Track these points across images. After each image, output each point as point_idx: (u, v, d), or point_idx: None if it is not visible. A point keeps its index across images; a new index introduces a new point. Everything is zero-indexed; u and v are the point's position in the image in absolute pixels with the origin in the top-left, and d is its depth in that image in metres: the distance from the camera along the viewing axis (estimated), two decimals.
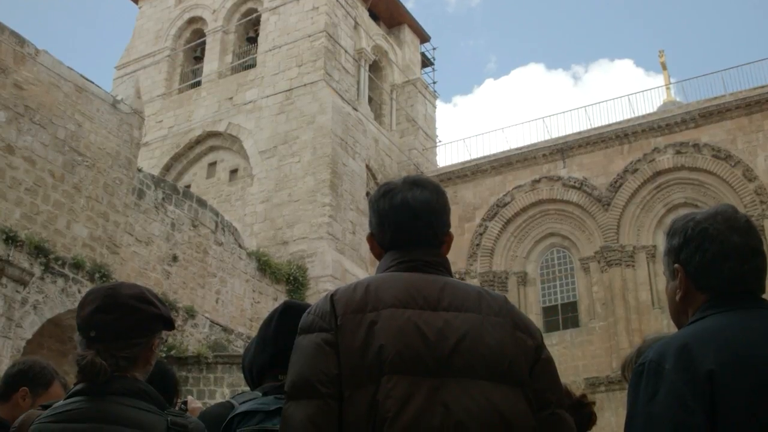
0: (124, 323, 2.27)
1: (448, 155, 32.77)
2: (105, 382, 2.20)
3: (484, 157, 27.93)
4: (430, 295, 1.97)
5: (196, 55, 29.99)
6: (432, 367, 1.86)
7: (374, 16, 30.52)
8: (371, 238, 2.20)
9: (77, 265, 14.90)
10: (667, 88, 28.94)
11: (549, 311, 25.43)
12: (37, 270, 14.06)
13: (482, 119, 74.45)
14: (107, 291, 2.36)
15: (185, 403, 3.26)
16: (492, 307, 2.01)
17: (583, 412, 3.16)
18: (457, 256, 25.28)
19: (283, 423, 1.89)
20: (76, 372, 2.26)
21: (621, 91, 76.98)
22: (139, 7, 31.50)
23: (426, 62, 33.01)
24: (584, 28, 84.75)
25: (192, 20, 30.05)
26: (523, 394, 1.91)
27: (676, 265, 1.97)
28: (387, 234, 2.15)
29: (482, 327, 1.95)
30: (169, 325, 2.42)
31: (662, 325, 23.12)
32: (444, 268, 2.14)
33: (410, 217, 2.14)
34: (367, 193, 25.99)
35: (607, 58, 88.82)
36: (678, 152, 24.94)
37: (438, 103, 32.66)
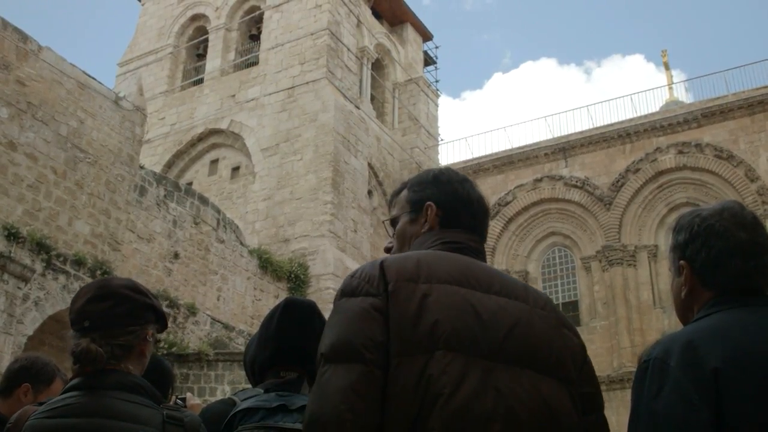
0: (118, 311, 2.28)
1: (450, 154, 32.80)
2: (100, 376, 2.19)
3: (486, 156, 27.94)
4: (481, 278, 1.91)
5: (199, 52, 30.00)
6: (485, 350, 1.79)
7: (377, 14, 30.52)
8: (436, 209, 2.11)
9: (79, 262, 14.91)
10: (670, 88, 28.94)
11: None
12: (39, 266, 14.07)
13: (488, 114, 74.63)
14: (100, 282, 2.39)
15: (183, 399, 3.25)
16: (538, 300, 1.95)
17: None
18: None
19: (318, 388, 1.75)
20: (71, 363, 2.25)
21: (634, 86, 77.10)
22: (142, 4, 31.51)
23: (428, 61, 33.00)
24: (598, 24, 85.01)
25: (195, 17, 30.05)
26: (569, 391, 1.85)
27: (681, 262, 1.96)
28: (465, 215, 2.11)
29: (531, 318, 1.89)
30: (163, 321, 2.41)
31: (663, 324, 23.13)
32: (483, 256, 2.10)
33: (485, 212, 2.17)
34: (369, 192, 26.01)
35: (619, 54, 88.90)
36: (680, 152, 24.94)
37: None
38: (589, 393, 1.92)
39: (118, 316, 2.28)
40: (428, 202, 2.11)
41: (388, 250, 2.21)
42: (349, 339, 1.76)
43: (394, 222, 2.22)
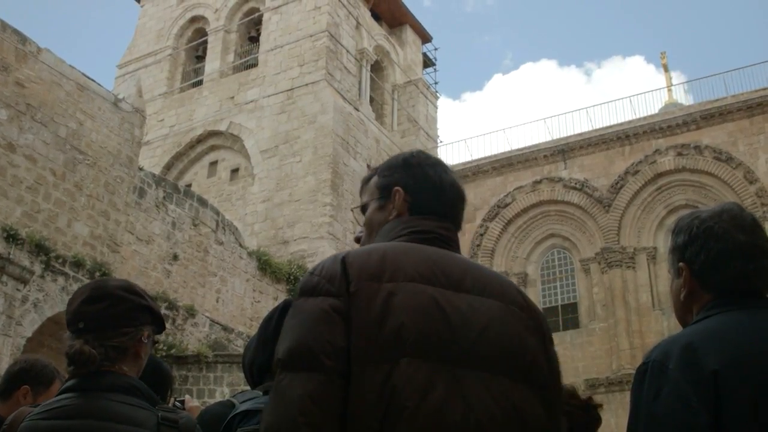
0: (113, 312, 2.28)
1: (449, 155, 32.69)
2: (95, 378, 2.19)
3: (485, 158, 27.93)
4: (452, 274, 1.75)
5: (198, 54, 30.01)
6: (454, 356, 1.65)
7: (376, 16, 30.53)
8: (404, 194, 1.96)
9: (78, 264, 14.90)
10: (669, 90, 28.95)
11: (549, 312, 25.40)
12: (38, 268, 14.06)
13: (488, 115, 74.73)
14: (95, 283, 2.38)
15: (182, 401, 3.24)
16: (512, 296, 1.80)
17: (592, 414, 3.18)
18: None
19: (275, 397, 1.64)
20: (66, 365, 2.26)
21: (634, 88, 77.24)
22: (142, 6, 31.51)
23: (428, 62, 33.01)
24: (598, 26, 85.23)
25: (194, 19, 30.06)
26: (542, 397, 1.71)
27: (680, 264, 1.96)
28: (435, 201, 1.96)
29: (505, 317, 1.74)
30: (159, 321, 2.41)
31: (662, 326, 23.13)
32: (456, 245, 1.94)
33: (459, 197, 2.01)
34: None
35: (620, 55, 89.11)
36: (679, 154, 24.95)
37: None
38: (557, 394, 1.80)
39: (112, 317, 2.27)
40: (396, 187, 1.96)
41: (358, 239, 2.06)
42: (307, 344, 1.64)
43: (364, 209, 2.06)
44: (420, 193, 1.96)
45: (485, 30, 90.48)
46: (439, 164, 2.03)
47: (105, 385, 2.19)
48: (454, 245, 1.92)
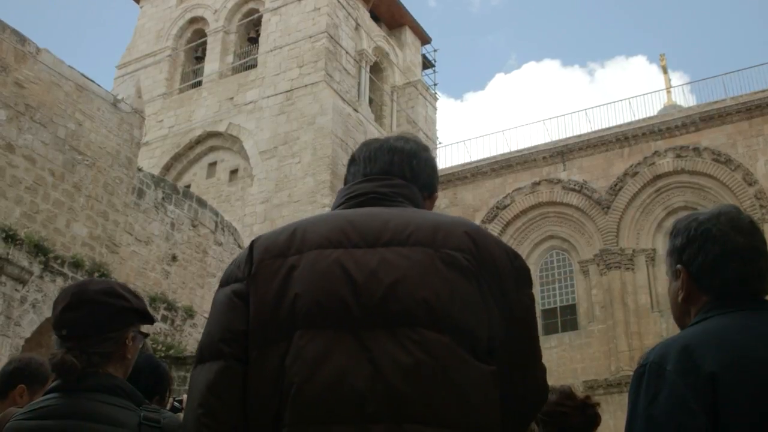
0: (94, 319, 2.26)
1: (448, 157, 32.76)
2: (79, 379, 2.20)
3: (484, 159, 27.94)
4: (369, 231, 1.64)
5: (197, 55, 30.02)
6: (359, 317, 1.53)
7: (375, 17, 30.54)
8: (347, 170, 1.96)
9: (76, 264, 14.89)
10: (668, 92, 28.96)
11: (548, 314, 25.41)
12: (37, 269, 14.05)
13: (490, 115, 74.83)
14: (75, 288, 2.35)
15: (180, 401, 3.24)
16: (450, 239, 1.63)
17: (588, 413, 3.17)
18: None
19: (188, 390, 1.64)
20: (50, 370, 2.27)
21: (636, 88, 77.34)
22: (141, 7, 31.52)
23: (427, 64, 33.02)
24: (602, 26, 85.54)
25: (193, 20, 30.07)
26: (475, 348, 1.56)
27: (678, 266, 1.95)
28: (359, 174, 1.89)
29: (432, 264, 1.58)
30: (146, 317, 2.40)
31: (661, 328, 23.14)
32: (405, 198, 1.81)
33: (387, 151, 1.90)
34: None
35: (623, 56, 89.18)
36: (678, 156, 24.96)
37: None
38: (505, 350, 1.63)
39: (94, 324, 2.26)
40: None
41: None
42: (211, 335, 1.63)
43: None
44: (352, 164, 1.95)
45: (489, 30, 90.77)
46: (371, 142, 1.98)
47: (88, 386, 2.19)
48: (401, 199, 1.81)
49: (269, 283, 1.61)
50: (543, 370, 1.74)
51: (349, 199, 1.82)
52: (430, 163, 1.94)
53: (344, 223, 1.67)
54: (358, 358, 1.51)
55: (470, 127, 79.99)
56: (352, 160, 1.96)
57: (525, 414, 1.70)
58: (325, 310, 1.55)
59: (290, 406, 1.51)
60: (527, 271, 1.73)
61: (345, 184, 1.94)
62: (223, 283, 1.70)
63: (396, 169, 1.87)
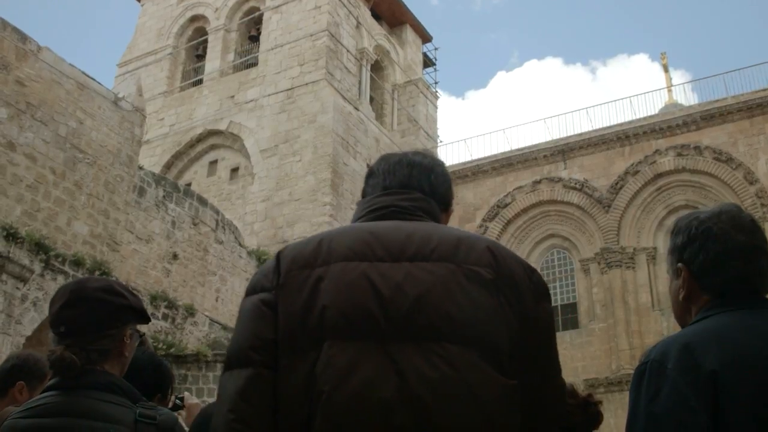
0: (92, 316, 2.27)
1: (449, 155, 32.78)
2: (76, 376, 2.21)
3: (485, 158, 27.94)
4: (393, 244, 1.69)
5: (198, 53, 30.01)
6: (386, 330, 1.58)
7: (376, 15, 30.53)
8: (365, 183, 2.00)
9: (77, 263, 14.89)
10: (669, 90, 28.95)
11: None
12: (38, 267, 14.05)
13: (492, 113, 74.81)
14: (74, 286, 2.37)
15: (181, 399, 3.25)
16: (471, 254, 1.68)
17: (590, 411, 3.16)
18: None
19: (217, 397, 1.69)
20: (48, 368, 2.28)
21: (638, 86, 77.33)
22: (142, 5, 31.51)
23: (428, 62, 33.01)
24: (604, 24, 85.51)
25: (194, 18, 30.05)
26: (499, 364, 1.61)
27: (679, 264, 1.96)
28: (378, 187, 1.92)
29: (455, 279, 1.64)
30: (143, 317, 2.41)
31: (662, 327, 23.14)
32: (425, 212, 1.86)
33: (406, 165, 1.94)
34: None
35: (625, 54, 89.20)
36: (679, 154, 24.95)
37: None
38: (528, 362, 1.66)
39: (92, 321, 2.27)
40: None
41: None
42: (240, 342, 1.67)
43: None
44: (371, 177, 1.97)
45: (492, 28, 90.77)
46: (390, 156, 2.00)
47: (85, 384, 2.20)
48: (421, 214, 1.85)
49: (297, 294, 1.65)
50: (562, 384, 1.79)
51: (369, 212, 1.86)
52: (447, 177, 1.99)
53: (368, 236, 1.72)
54: (385, 370, 1.56)
55: (472, 126, 79.99)
56: (371, 173, 1.99)
57: (544, 427, 1.72)
58: (353, 321, 1.60)
59: (320, 413, 1.55)
60: (545, 286, 1.77)
61: (363, 196, 1.98)
62: (250, 292, 1.74)
63: (415, 183, 1.91)
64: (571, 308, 25.42)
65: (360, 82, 28.08)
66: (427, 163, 1.95)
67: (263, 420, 1.59)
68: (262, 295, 1.70)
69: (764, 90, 24.55)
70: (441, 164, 2.00)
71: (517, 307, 1.67)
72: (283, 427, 1.59)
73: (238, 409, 1.60)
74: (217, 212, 20.29)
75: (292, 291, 1.67)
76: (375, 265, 1.66)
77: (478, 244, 1.72)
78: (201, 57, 29.68)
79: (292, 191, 23.87)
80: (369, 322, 1.60)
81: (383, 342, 1.58)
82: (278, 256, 1.74)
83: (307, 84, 25.55)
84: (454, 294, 1.63)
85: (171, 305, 17.08)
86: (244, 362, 1.64)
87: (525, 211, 26.76)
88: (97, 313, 2.28)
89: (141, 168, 18.27)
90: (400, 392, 1.53)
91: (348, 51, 27.16)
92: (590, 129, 26.93)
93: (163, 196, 18.38)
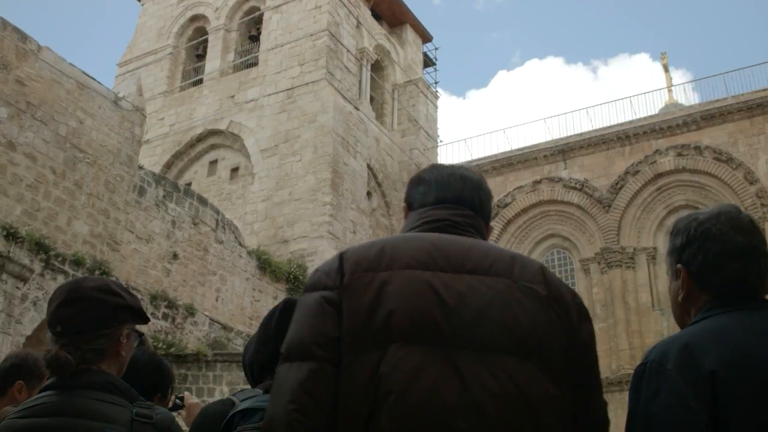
0: (88, 315, 2.28)
1: (449, 155, 32.73)
2: (73, 376, 2.21)
3: (485, 158, 27.95)
4: (453, 257, 1.77)
5: (198, 53, 30.00)
6: (449, 337, 1.66)
7: (376, 15, 30.52)
8: (407, 207, 2.06)
9: (77, 262, 14.90)
10: (669, 90, 28.95)
11: None
12: (38, 266, 14.06)
13: (492, 113, 74.77)
14: (71, 285, 2.37)
15: (181, 398, 3.25)
16: (525, 272, 1.78)
17: None
18: None
19: (274, 386, 1.73)
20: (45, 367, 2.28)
21: (640, 86, 77.31)
22: (142, 5, 31.51)
23: (428, 62, 33.01)
24: (606, 23, 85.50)
25: (194, 18, 30.05)
26: (553, 376, 1.69)
27: (678, 265, 1.96)
28: (430, 196, 2.00)
29: (512, 295, 1.73)
30: (140, 316, 2.40)
31: (662, 327, 23.14)
32: (475, 230, 1.95)
33: (459, 179, 2.03)
34: (368, 193, 26.01)
35: (626, 53, 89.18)
36: (679, 154, 24.95)
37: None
38: (578, 375, 1.75)
39: (89, 320, 2.27)
40: (404, 204, 2.09)
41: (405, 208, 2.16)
42: (301, 336, 1.72)
43: None
44: (429, 186, 2.03)
45: (494, 28, 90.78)
46: (443, 167, 2.10)
47: (82, 383, 2.21)
48: (472, 230, 1.94)
49: (362, 295, 1.71)
50: (605, 403, 1.83)
51: (424, 224, 1.93)
52: (490, 194, 2.11)
53: (430, 246, 1.79)
54: (449, 375, 1.62)
55: (472, 125, 79.99)
56: (420, 181, 2.07)
57: None
58: (419, 327, 1.66)
59: (388, 413, 1.60)
60: (585, 308, 1.86)
61: (408, 201, 2.06)
62: (311, 289, 1.79)
63: (467, 198, 2.00)
64: None
65: (360, 82, 28.08)
66: (476, 179, 2.06)
67: (323, 413, 1.64)
68: (325, 293, 1.75)
69: (764, 90, 24.55)
70: (485, 181, 2.12)
71: (567, 323, 1.76)
72: (343, 421, 1.64)
73: (299, 401, 1.64)
74: (217, 212, 20.29)
75: (356, 292, 1.72)
76: (438, 275, 1.73)
77: (531, 264, 1.82)
78: (201, 57, 29.68)
79: (292, 191, 23.87)
80: (434, 329, 1.66)
81: (446, 349, 1.65)
82: (341, 257, 1.80)
83: (307, 84, 25.54)
84: (512, 308, 1.71)
85: (171, 305, 17.09)
86: (306, 355, 1.68)
87: (525, 210, 26.76)
88: (92, 312, 2.28)
89: (141, 168, 18.27)
90: (461, 398, 1.60)
91: (348, 51, 27.16)
92: (590, 129, 26.94)
93: (164, 196, 18.38)
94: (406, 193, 2.08)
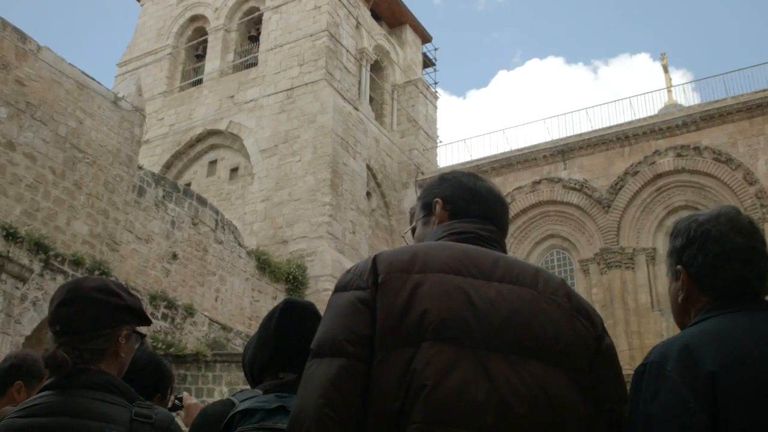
0: (86, 315, 2.28)
1: (448, 156, 32.79)
2: (72, 376, 2.22)
3: (485, 158, 27.93)
4: (483, 265, 1.85)
5: (198, 53, 30.01)
6: (479, 339, 1.72)
7: (376, 16, 30.53)
8: (444, 204, 2.12)
9: (77, 262, 14.90)
10: (669, 91, 28.95)
11: None
12: (37, 266, 14.06)
13: (493, 113, 74.76)
14: (71, 285, 2.37)
15: (180, 399, 3.25)
16: (549, 285, 1.87)
17: None
18: None
19: (303, 381, 1.77)
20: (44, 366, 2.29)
21: (640, 86, 77.29)
22: (142, 5, 31.51)
23: (427, 62, 33.02)
24: (606, 23, 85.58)
25: (194, 18, 30.06)
26: (578, 383, 1.76)
27: (678, 267, 1.96)
28: (473, 206, 2.09)
29: (537, 304, 1.81)
30: (141, 317, 2.41)
31: (661, 327, 23.14)
32: (499, 244, 2.04)
33: (498, 202, 2.14)
34: (368, 193, 26.01)
35: (627, 53, 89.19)
36: (679, 155, 24.94)
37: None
38: (596, 383, 1.81)
39: (87, 320, 2.28)
40: (435, 199, 2.14)
41: (442, 203, 2.20)
42: (333, 333, 1.76)
43: (414, 231, 2.23)
44: (458, 200, 2.12)
45: (495, 28, 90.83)
46: (473, 174, 2.19)
47: (81, 383, 2.21)
48: (495, 245, 2.02)
49: (397, 295, 1.76)
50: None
51: (451, 234, 2.02)
52: (508, 208, 2.22)
53: (461, 254, 1.87)
54: (479, 373, 1.69)
55: (472, 125, 79.99)
56: (462, 186, 2.15)
57: None
58: (451, 327, 1.72)
59: (420, 406, 1.66)
60: (602, 321, 1.95)
61: (449, 201, 2.12)
62: (342, 288, 1.85)
63: (491, 214, 2.10)
64: None
65: (360, 83, 28.09)
66: (501, 198, 2.17)
67: (353, 409, 1.68)
68: (357, 293, 1.80)
69: (764, 90, 24.54)
70: (502, 194, 2.22)
71: (593, 333, 1.86)
72: (373, 417, 1.68)
73: (329, 396, 1.69)
74: (217, 212, 20.29)
75: (391, 291, 1.77)
76: (469, 281, 1.80)
77: (553, 278, 1.92)
78: (201, 57, 29.69)
79: (292, 191, 23.87)
80: (465, 330, 1.73)
81: (476, 350, 1.72)
82: (375, 259, 1.85)
83: (306, 84, 25.55)
84: (539, 316, 1.79)
85: (170, 305, 17.09)
86: (337, 352, 1.73)
87: (524, 211, 26.75)
88: (90, 312, 2.28)
89: (140, 168, 18.27)
90: (490, 396, 1.67)
91: (348, 51, 27.16)
92: (590, 129, 26.92)
93: (163, 196, 18.38)
94: (445, 189, 2.16)
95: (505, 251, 2.04)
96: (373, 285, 1.79)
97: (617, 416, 1.81)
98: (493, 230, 2.06)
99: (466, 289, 1.78)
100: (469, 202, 2.10)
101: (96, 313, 2.29)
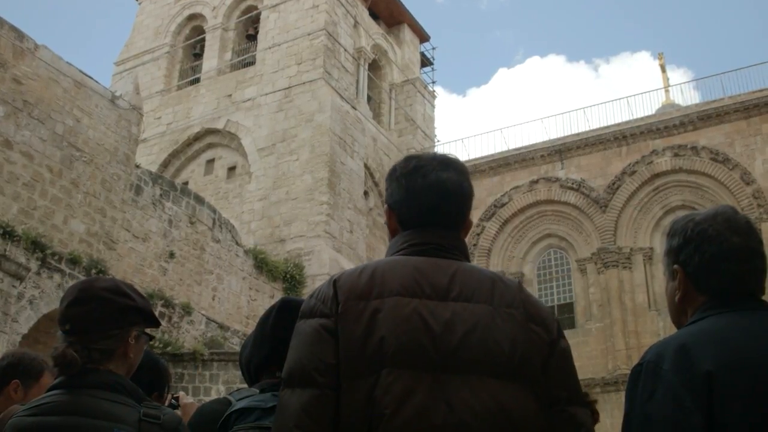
0: (97, 315, 2.29)
1: None
2: (81, 375, 2.23)
3: (483, 157, 27.95)
4: (438, 284, 1.87)
5: (196, 52, 29.97)
6: (436, 362, 1.77)
7: (374, 15, 30.53)
8: (390, 212, 2.08)
9: (74, 261, 14.88)
10: (667, 90, 28.98)
11: None
12: (34, 265, 14.04)
13: (492, 111, 74.73)
14: (82, 285, 2.39)
15: (177, 398, 3.24)
16: (505, 297, 1.89)
17: None
18: None
19: (278, 410, 1.83)
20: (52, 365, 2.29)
21: (641, 85, 77.31)
22: (139, 3, 31.48)
23: (425, 62, 33.01)
24: (608, 22, 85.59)
25: (192, 17, 30.02)
26: (534, 393, 1.81)
27: (675, 266, 1.97)
28: (413, 212, 2.03)
29: (493, 320, 1.84)
30: (151, 319, 2.42)
31: (658, 327, 23.18)
32: (459, 251, 2.02)
33: (442, 198, 2.03)
34: (365, 192, 26.01)
35: (628, 51, 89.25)
36: (676, 155, 24.98)
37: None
38: (549, 386, 1.85)
39: (97, 320, 2.29)
40: (386, 206, 2.11)
41: (389, 210, 2.16)
42: (302, 363, 1.82)
43: None
44: (402, 208, 2.06)
45: (497, 26, 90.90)
46: (417, 169, 2.06)
47: (90, 383, 2.22)
48: (454, 251, 2.01)
49: (356, 323, 1.82)
50: (587, 411, 1.93)
51: (409, 246, 2.01)
52: (472, 192, 2.13)
53: (416, 273, 1.89)
54: (436, 398, 1.74)
55: (472, 124, 79.95)
56: (405, 190, 2.06)
57: None
58: (408, 352, 1.78)
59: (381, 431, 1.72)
60: (560, 326, 1.98)
61: (389, 203, 2.09)
62: (307, 315, 1.90)
63: (448, 216, 2.04)
64: (568, 308, 25.45)
65: (357, 82, 28.08)
66: (455, 183, 2.05)
67: None
68: (322, 321, 1.85)
69: (761, 90, 24.58)
70: (466, 173, 2.11)
71: (546, 336, 1.89)
72: None
73: (303, 425, 1.76)
74: (214, 211, 20.27)
75: (351, 320, 1.83)
76: (425, 303, 1.84)
77: (510, 287, 1.94)
78: (198, 56, 29.65)
79: (289, 190, 23.85)
80: (421, 354, 1.78)
81: (434, 373, 1.77)
82: (334, 284, 1.89)
83: (304, 83, 25.53)
84: (494, 333, 1.83)
85: (167, 304, 17.07)
86: (308, 382, 1.80)
87: (522, 210, 26.78)
88: (100, 312, 2.30)
89: (138, 166, 18.25)
90: (448, 418, 1.72)
91: (345, 50, 27.15)
92: (587, 129, 26.96)
93: (160, 195, 18.36)
94: (392, 192, 2.09)
95: (465, 253, 2.03)
96: (335, 313, 1.84)
97: (570, 416, 1.84)
98: (448, 236, 2.02)
99: (422, 312, 1.82)
100: (411, 209, 2.04)
101: (106, 313, 2.30)
